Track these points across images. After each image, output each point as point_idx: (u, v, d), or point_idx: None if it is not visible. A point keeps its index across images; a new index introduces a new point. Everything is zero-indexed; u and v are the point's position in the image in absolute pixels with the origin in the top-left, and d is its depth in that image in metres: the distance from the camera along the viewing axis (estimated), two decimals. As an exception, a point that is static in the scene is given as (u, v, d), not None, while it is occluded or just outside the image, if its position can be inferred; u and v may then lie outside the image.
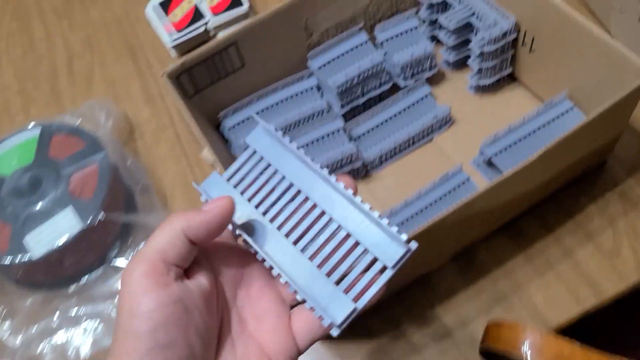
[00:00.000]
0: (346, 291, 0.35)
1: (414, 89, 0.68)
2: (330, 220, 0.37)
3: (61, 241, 0.59)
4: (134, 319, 0.31)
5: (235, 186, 0.40)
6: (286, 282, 0.36)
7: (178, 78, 0.61)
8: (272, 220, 0.38)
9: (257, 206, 0.39)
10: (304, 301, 0.36)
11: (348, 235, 0.36)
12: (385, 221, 0.35)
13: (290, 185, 0.38)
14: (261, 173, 0.40)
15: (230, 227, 0.38)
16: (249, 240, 0.37)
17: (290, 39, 0.66)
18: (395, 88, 0.70)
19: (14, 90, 0.81)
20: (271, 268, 0.36)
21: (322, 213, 0.37)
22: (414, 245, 0.34)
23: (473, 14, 0.66)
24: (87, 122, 0.72)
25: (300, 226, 0.37)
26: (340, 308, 0.34)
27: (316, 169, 0.37)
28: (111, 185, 0.62)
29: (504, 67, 0.68)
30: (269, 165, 0.39)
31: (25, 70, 0.83)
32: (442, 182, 0.62)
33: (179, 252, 0.33)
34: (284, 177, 0.39)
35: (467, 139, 0.66)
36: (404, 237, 0.34)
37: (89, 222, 0.60)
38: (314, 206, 0.37)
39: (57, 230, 0.60)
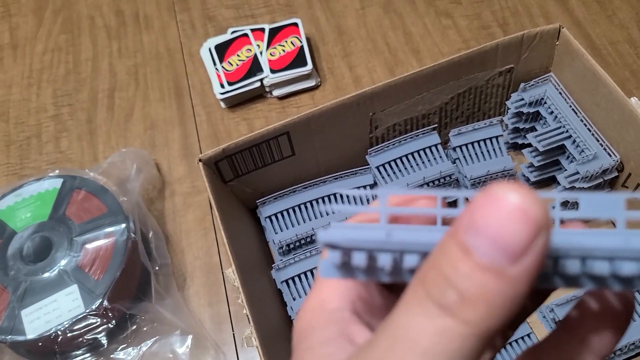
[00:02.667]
0: None
1: (483, 208, 0.59)
2: None
3: (59, 325, 0.52)
4: None
5: None
6: None
7: (216, 164, 0.53)
8: None
9: None
10: None
11: None
12: None
13: None
14: None
15: None
16: None
17: (351, 131, 0.57)
18: (461, 200, 0.61)
19: (49, 114, 0.76)
20: None
21: None
22: None
23: (570, 136, 0.56)
24: (116, 170, 0.65)
25: None
26: None
27: None
28: (125, 265, 0.55)
29: (594, 203, 0.57)
30: None
31: (65, 93, 0.77)
32: (497, 332, 0.52)
33: None
34: None
35: (535, 279, 0.57)
36: None
37: (93, 307, 0.53)
38: None
39: (57, 310, 0.53)
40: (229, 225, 0.49)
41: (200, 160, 0.52)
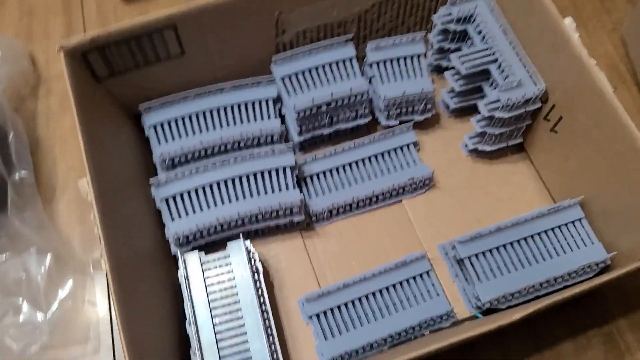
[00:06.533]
0: None
1: (396, 133, 0.53)
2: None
3: None
4: None
5: None
6: None
7: (85, 56, 0.45)
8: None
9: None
10: None
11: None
12: None
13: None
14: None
15: None
16: None
17: (254, 32, 0.49)
18: (373, 123, 0.55)
19: None
20: None
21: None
22: None
23: (495, 60, 0.50)
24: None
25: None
26: None
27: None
28: (-27, 170, 0.47)
29: (514, 137, 0.53)
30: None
31: None
32: (397, 268, 0.48)
33: None
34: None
35: (444, 213, 0.53)
36: None
37: None
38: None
39: None
40: (90, 128, 0.41)
41: (62, 47, 0.43)
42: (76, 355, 0.47)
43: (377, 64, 0.53)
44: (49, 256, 0.47)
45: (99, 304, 0.49)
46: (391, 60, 0.53)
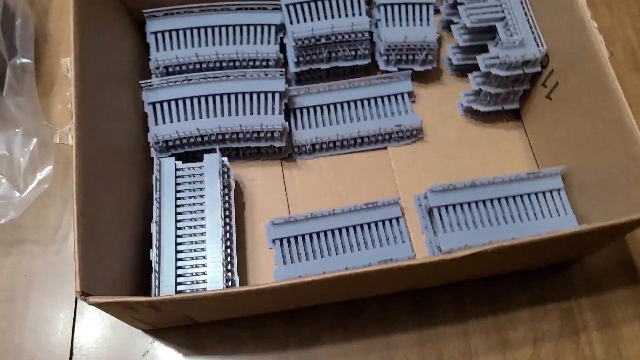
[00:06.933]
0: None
1: (393, 80, 0.53)
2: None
3: None
4: None
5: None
6: None
7: (93, -54, 0.45)
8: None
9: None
10: None
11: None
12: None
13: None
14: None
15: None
16: None
17: (265, -47, 0.50)
18: (372, 67, 0.55)
19: None
20: None
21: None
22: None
23: (503, 18, 0.49)
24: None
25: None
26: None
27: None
28: (-26, 45, 0.48)
29: (510, 100, 0.52)
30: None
31: None
32: (367, 209, 0.48)
33: None
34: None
35: (426, 167, 0.52)
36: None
37: None
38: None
39: None
40: (86, 16, 0.42)
41: None
42: (45, 238, 0.49)
43: (385, 6, 0.52)
44: (34, 141, 0.49)
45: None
46: (399, 5, 0.52)
